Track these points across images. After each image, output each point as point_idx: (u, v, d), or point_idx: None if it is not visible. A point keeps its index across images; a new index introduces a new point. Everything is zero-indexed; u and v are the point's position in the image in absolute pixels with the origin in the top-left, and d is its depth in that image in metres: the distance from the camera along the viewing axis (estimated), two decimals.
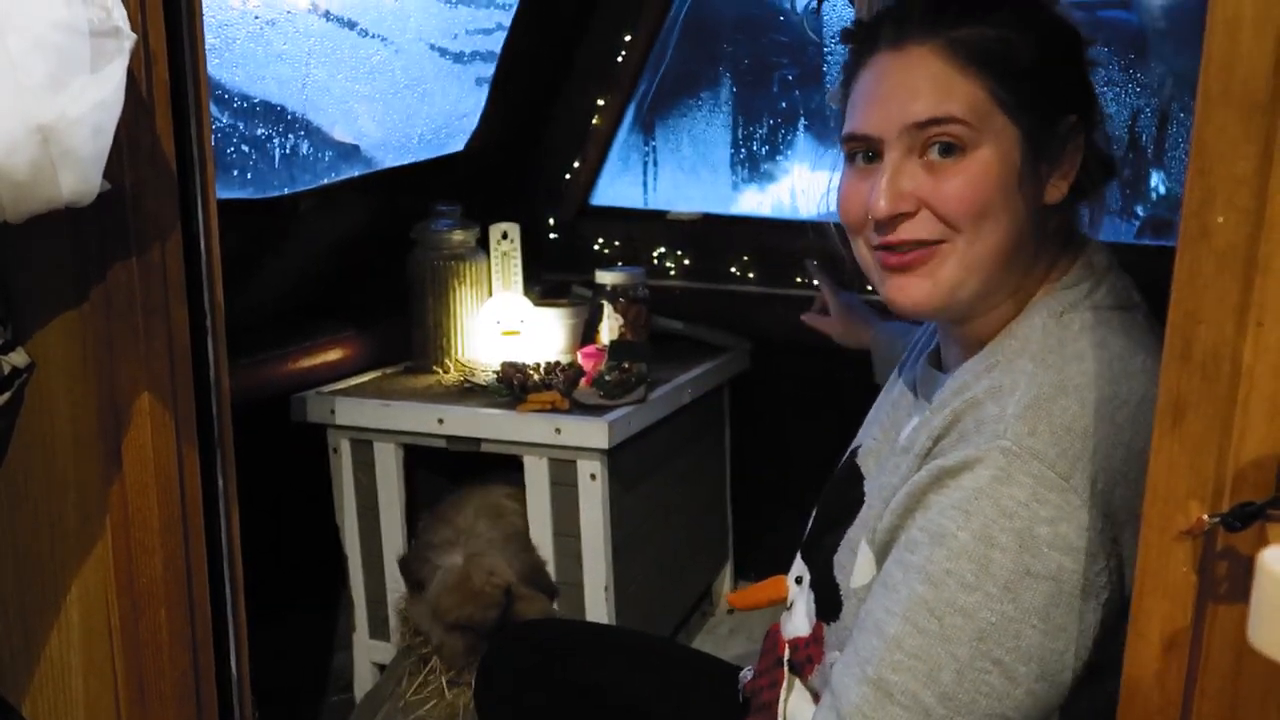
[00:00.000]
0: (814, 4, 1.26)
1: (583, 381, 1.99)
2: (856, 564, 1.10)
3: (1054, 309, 1.07)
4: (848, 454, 1.28)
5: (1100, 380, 1.00)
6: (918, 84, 1.05)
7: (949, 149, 1.04)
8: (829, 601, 1.13)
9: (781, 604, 1.29)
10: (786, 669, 1.20)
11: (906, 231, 1.06)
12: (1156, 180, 2.27)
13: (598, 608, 1.92)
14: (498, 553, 1.92)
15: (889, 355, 1.69)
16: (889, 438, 1.20)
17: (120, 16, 0.93)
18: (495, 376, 2.03)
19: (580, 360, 2.09)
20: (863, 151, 1.10)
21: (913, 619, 0.98)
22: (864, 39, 1.11)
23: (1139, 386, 1.01)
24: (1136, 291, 1.12)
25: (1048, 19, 1.10)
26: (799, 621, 1.20)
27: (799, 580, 1.23)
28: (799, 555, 1.26)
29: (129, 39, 0.94)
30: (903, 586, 1.00)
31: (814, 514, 1.27)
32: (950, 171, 1.04)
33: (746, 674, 1.33)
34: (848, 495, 1.19)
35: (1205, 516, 0.73)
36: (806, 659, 1.16)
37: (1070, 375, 1.01)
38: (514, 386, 1.97)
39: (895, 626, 0.99)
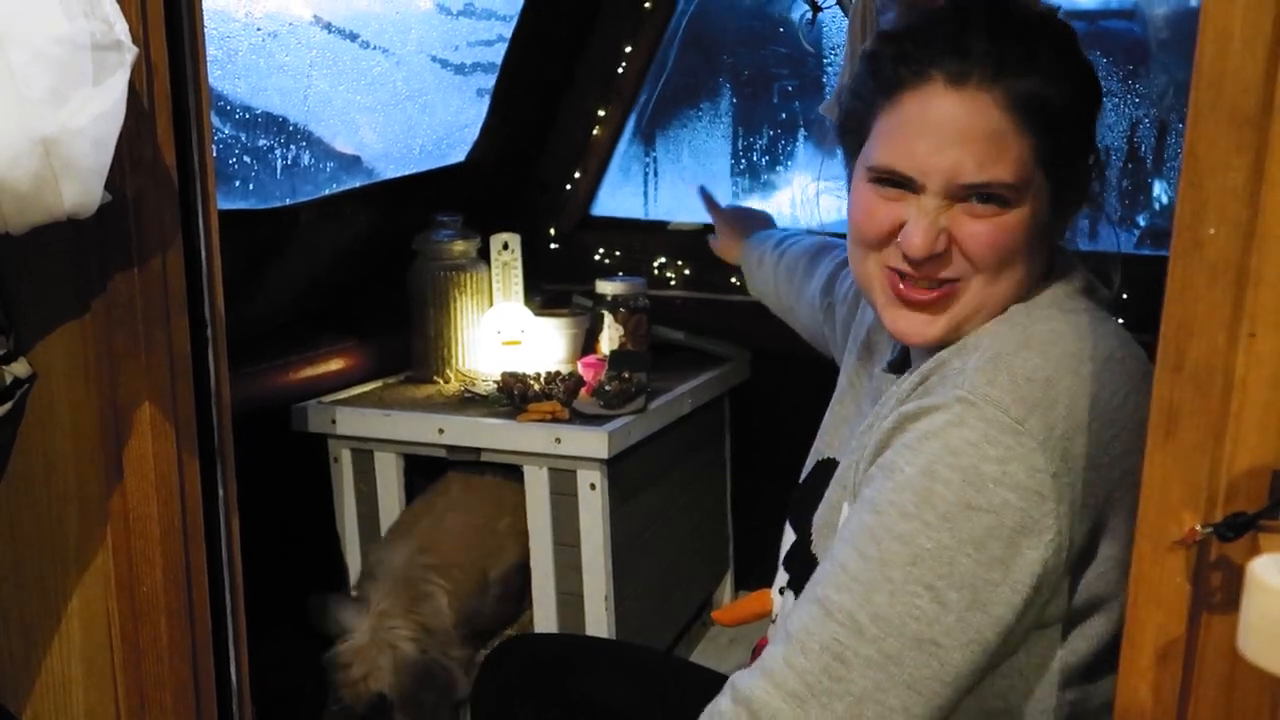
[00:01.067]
0: (809, 15, 1.27)
1: (583, 391, 1.99)
2: (840, 526, 1.13)
3: (1025, 300, 1.11)
4: (815, 465, 1.29)
5: (1066, 338, 1.04)
6: (974, 139, 1.03)
7: (989, 199, 1.05)
8: None
9: (768, 618, 1.30)
10: None
11: (933, 269, 1.08)
12: (1158, 190, 2.28)
13: (597, 618, 1.92)
14: (395, 648, 1.85)
15: (762, 276, 1.87)
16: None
17: (122, 30, 0.94)
18: (495, 386, 2.04)
19: (580, 370, 2.09)
20: (892, 181, 1.08)
21: (857, 544, 1.01)
22: (917, 60, 1.05)
23: (1106, 346, 1.04)
24: (1101, 286, 1.16)
25: (1080, 68, 1.10)
26: None
27: (782, 591, 1.24)
28: (781, 567, 1.27)
29: (130, 52, 0.94)
30: (854, 518, 1.04)
31: (788, 524, 1.29)
32: (986, 219, 1.05)
33: None
34: (819, 498, 1.21)
35: (1198, 527, 0.73)
36: None
37: (1036, 332, 1.04)
38: (514, 396, 1.98)
39: (842, 552, 1.02)
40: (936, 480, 0.98)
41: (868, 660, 0.98)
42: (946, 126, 1.04)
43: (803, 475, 1.33)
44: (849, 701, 0.98)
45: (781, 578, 1.26)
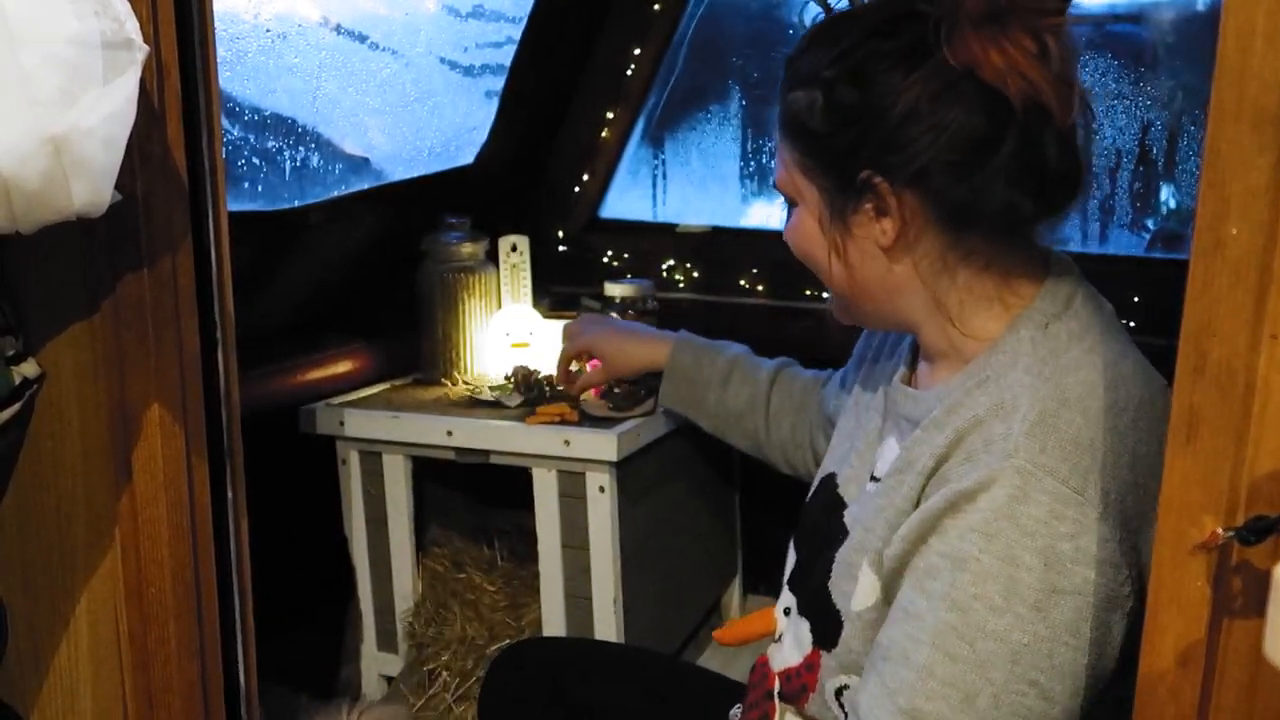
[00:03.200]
0: (821, 17, 1.26)
1: (591, 394, 1.99)
2: (858, 587, 1.09)
3: (1038, 321, 1.08)
4: (819, 482, 1.28)
5: (1098, 389, 1.01)
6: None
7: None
8: (826, 629, 1.12)
9: (770, 636, 1.29)
10: (778, 700, 1.20)
11: None
12: (1166, 194, 2.27)
13: (606, 621, 1.92)
14: None
15: (693, 376, 1.73)
16: (864, 462, 1.20)
17: (133, 29, 0.93)
18: (508, 381, 2.04)
19: (589, 372, 2.09)
20: None
21: (943, 646, 0.97)
22: None
23: (1134, 390, 1.03)
24: (1105, 300, 1.14)
25: (879, 67, 1.07)
26: (789, 652, 1.19)
27: (787, 611, 1.22)
28: (785, 587, 1.25)
29: (141, 51, 0.94)
30: (928, 615, 0.99)
31: (793, 544, 1.27)
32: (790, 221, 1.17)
33: (735, 713, 1.32)
34: (828, 523, 1.19)
35: (1220, 530, 0.73)
36: (800, 689, 1.15)
37: (1069, 386, 1.02)
38: (526, 387, 1.97)
39: (925, 655, 0.98)
40: (1019, 567, 0.95)
41: None
42: None
43: (809, 493, 1.31)
44: None
45: (787, 598, 1.24)
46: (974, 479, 0.99)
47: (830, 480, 1.25)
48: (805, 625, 1.17)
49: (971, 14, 1.01)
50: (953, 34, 1.02)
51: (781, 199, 1.20)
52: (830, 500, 1.22)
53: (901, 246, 1.09)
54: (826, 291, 1.21)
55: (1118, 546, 0.96)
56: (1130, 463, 0.99)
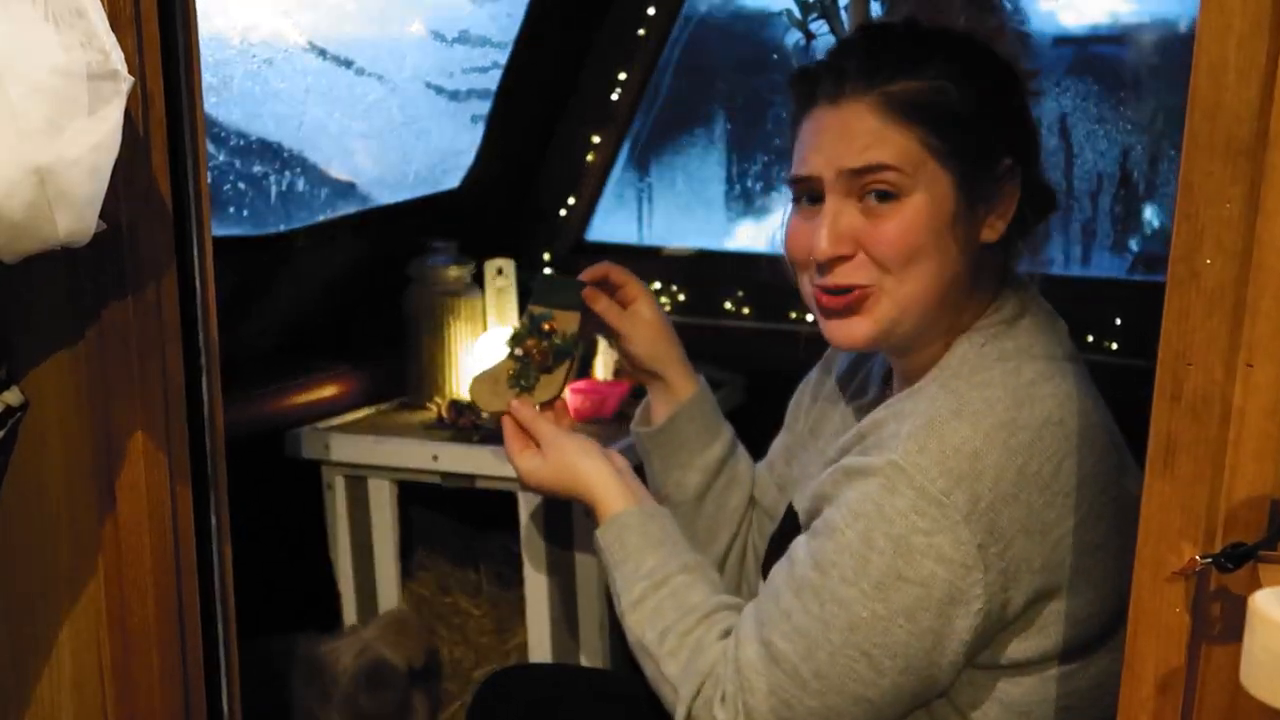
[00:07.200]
0: (803, 42, 1.28)
1: (572, 415, 1.97)
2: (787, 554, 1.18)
3: (977, 341, 1.14)
4: (783, 516, 1.32)
5: (999, 406, 1.07)
6: (854, 134, 1.10)
7: (885, 195, 1.10)
8: None
9: None
10: None
11: (843, 275, 1.12)
12: (1149, 215, 2.29)
13: (592, 645, 1.91)
14: None
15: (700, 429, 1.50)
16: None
17: (118, 59, 0.94)
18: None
19: (568, 395, 2.08)
20: (807, 194, 1.16)
21: (801, 597, 1.08)
22: (806, 95, 1.16)
23: (1042, 411, 1.07)
24: (1060, 319, 1.19)
25: (987, 66, 1.15)
26: None
27: None
28: None
29: (126, 81, 0.94)
30: (799, 565, 1.10)
31: (760, 572, 1.32)
32: (885, 215, 1.10)
33: None
34: (788, 545, 1.24)
35: (1197, 557, 0.73)
36: None
37: (969, 400, 1.08)
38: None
39: (788, 600, 1.09)
40: (872, 549, 1.04)
41: (811, 710, 1.07)
42: (829, 130, 1.12)
43: (773, 529, 1.35)
44: None
45: None
46: (858, 463, 1.09)
47: (790, 511, 1.30)
48: None
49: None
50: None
51: (776, 216, 1.21)
52: (792, 527, 1.26)
53: (1003, 241, 1.15)
54: (810, 314, 1.22)
55: (975, 550, 1.03)
56: (1016, 478, 1.04)
